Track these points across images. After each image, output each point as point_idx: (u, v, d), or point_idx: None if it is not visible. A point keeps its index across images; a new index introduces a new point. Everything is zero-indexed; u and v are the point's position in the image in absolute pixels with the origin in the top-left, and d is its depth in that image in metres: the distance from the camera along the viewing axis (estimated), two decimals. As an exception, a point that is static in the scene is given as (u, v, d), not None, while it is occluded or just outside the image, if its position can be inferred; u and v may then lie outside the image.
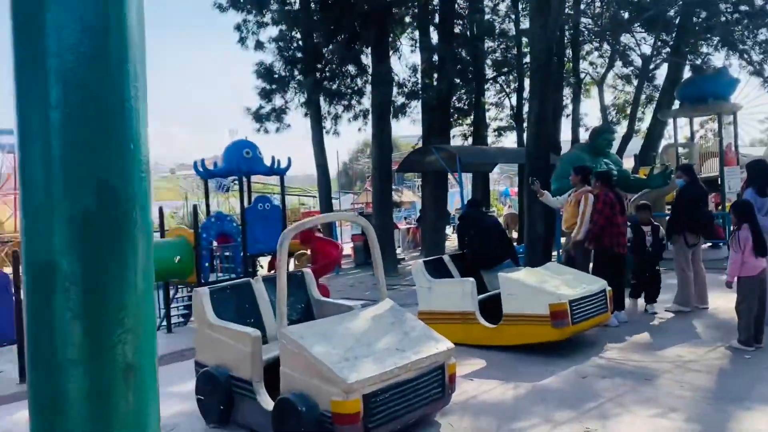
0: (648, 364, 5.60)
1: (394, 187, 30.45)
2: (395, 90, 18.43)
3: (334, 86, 17.87)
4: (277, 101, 17.79)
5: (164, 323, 9.65)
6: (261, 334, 4.54)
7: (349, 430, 3.71)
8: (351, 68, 17.59)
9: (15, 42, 0.83)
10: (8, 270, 8.00)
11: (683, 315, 7.30)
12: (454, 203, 24.30)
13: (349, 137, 72.94)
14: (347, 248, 20.82)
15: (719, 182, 12.82)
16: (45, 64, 0.80)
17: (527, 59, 18.82)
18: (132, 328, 0.84)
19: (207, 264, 9.72)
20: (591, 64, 22.80)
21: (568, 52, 19.93)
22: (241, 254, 9.82)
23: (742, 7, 15.62)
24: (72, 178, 0.81)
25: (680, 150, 15.63)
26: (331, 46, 16.66)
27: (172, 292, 10.04)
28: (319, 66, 17.56)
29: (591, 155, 8.81)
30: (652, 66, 19.19)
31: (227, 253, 10.01)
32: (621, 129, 23.40)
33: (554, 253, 10.92)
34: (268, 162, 10.16)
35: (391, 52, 17.30)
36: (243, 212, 9.86)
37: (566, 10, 15.88)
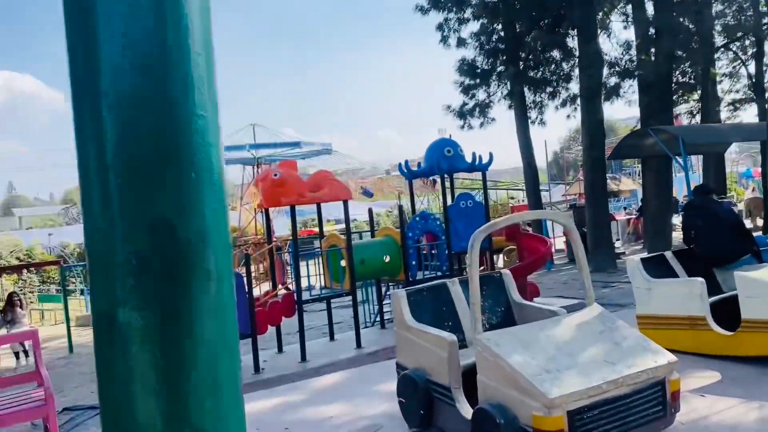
0: None
1: (610, 175, 28.47)
2: (606, 71, 17.17)
3: (538, 74, 17.19)
4: (480, 95, 17.63)
5: (378, 319, 10.09)
6: (458, 339, 4.42)
7: (552, 449, 3.40)
8: (555, 53, 16.76)
9: (71, 74, 0.77)
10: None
11: None
12: (682, 190, 21.88)
13: (560, 125, 70.20)
14: (559, 243, 19.91)
15: None
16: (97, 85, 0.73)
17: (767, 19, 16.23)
18: (203, 389, 0.74)
19: (414, 262, 9.91)
20: None
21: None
22: (446, 252, 9.84)
23: None
24: (128, 219, 0.73)
25: None
26: (533, 33, 16.01)
27: (383, 290, 10.42)
28: (522, 55, 17.03)
29: None
30: None
31: (432, 251, 10.11)
32: None
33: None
34: (469, 159, 10.05)
35: (599, 32, 16.12)
36: (446, 210, 9.88)
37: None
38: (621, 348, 3.90)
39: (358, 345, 8.44)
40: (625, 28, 18.14)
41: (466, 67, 16.88)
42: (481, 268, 11.80)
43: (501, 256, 15.84)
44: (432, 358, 4.32)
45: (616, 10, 16.84)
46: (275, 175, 8.25)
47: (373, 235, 10.63)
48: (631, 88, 17.37)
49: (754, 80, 17.71)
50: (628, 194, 27.35)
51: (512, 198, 33.73)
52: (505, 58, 16.79)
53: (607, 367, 3.68)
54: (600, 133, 14.75)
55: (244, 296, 7.78)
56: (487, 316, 5.00)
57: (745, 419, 4.21)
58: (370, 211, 10.97)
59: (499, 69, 17.08)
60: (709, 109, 16.82)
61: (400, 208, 10.04)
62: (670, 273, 6.32)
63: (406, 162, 10.60)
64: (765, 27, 16.14)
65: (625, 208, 24.32)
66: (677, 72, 18.30)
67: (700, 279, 5.65)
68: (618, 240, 20.41)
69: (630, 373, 3.65)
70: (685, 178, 10.06)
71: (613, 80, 17.43)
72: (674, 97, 19.00)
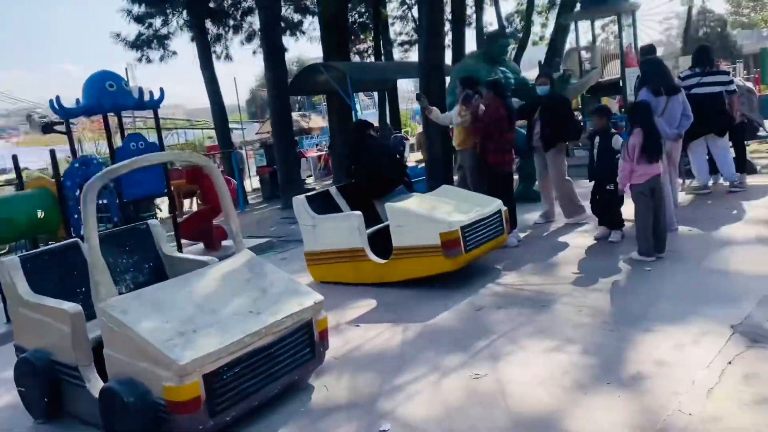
0: (547, 287, 5.22)
1: (302, 112, 29.20)
2: (287, 6, 17.12)
3: (218, 5, 16.31)
4: (157, 25, 16.08)
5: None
6: (85, 309, 3.76)
7: (190, 420, 3.06)
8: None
9: None
10: None
11: (585, 229, 7.02)
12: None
13: (257, 62, 69.28)
14: (255, 182, 19.78)
15: (621, 84, 12.58)
16: None
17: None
18: None
19: (77, 216, 8.62)
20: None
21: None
22: (117, 201, 8.76)
23: None
24: None
25: (583, 54, 15.30)
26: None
27: (43, 250, 8.92)
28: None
29: (487, 64, 8.17)
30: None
31: (101, 201, 8.91)
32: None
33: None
34: (136, 94, 8.93)
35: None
36: (112, 154, 8.71)
37: None
38: (268, 295, 3.69)
39: (8, 319, 7.06)
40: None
41: (137, -9, 15.13)
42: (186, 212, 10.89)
43: (194, 199, 15.07)
44: (55, 335, 3.59)
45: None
46: None
47: (22, 187, 8.93)
48: (312, 24, 17.66)
49: (417, 23, 19.40)
50: (319, 131, 28.43)
51: (210, 138, 32.45)
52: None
53: (251, 318, 3.44)
54: (282, 69, 14.62)
55: None
56: (133, 275, 4.41)
57: (391, 344, 4.44)
58: (15, 158, 9.14)
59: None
60: (381, 49, 17.97)
61: (52, 152, 8.54)
62: (335, 208, 6.46)
63: (58, 98, 9.01)
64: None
65: (316, 145, 25.23)
66: (354, 12, 19.15)
67: (358, 213, 5.84)
68: (311, 176, 21.13)
69: (274, 321, 3.47)
70: (354, 115, 10.57)
71: (296, 16, 17.50)
72: (353, 37, 19.95)
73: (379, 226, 6.17)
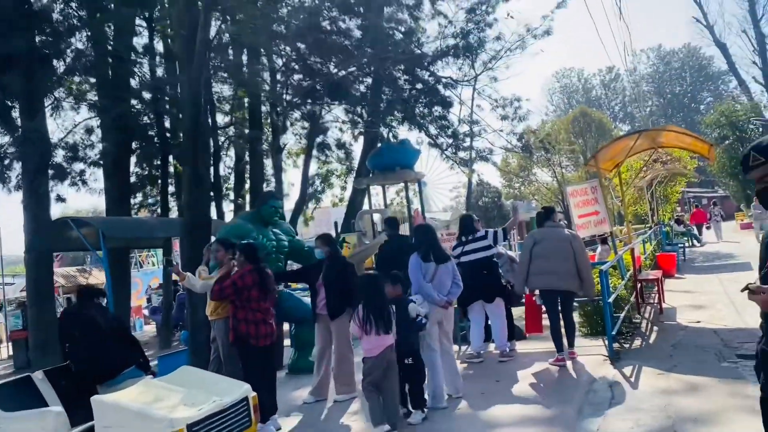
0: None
1: (83, 267, 26.37)
2: (65, 153, 15.81)
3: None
4: None
5: None
6: None
7: None
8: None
9: None
10: None
11: (354, 410, 6.29)
12: (148, 283, 21.59)
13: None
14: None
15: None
16: None
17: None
18: None
19: None
20: (294, 134, 22.59)
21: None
22: None
23: (419, 86, 16.66)
24: None
25: (375, 216, 15.74)
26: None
27: None
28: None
29: (258, 224, 7.63)
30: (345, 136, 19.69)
31: None
32: (327, 198, 23.58)
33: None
34: None
35: (56, 112, 14.70)
36: None
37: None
38: None
39: None
40: (90, 109, 17.07)
41: None
42: None
43: None
44: None
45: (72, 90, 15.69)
46: None
47: None
48: (93, 175, 16.37)
49: (213, 180, 18.92)
50: (101, 285, 25.71)
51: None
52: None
53: None
54: (41, 221, 12.88)
55: None
56: None
57: None
58: None
59: None
60: (167, 204, 16.99)
61: None
62: (38, 400, 5.04)
63: None
64: (222, 128, 17.52)
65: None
66: (145, 164, 18.21)
67: (57, 409, 4.54)
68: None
69: None
70: (106, 276, 9.36)
71: (79, 166, 16.17)
72: (145, 189, 18.81)
73: (91, 423, 4.85)
